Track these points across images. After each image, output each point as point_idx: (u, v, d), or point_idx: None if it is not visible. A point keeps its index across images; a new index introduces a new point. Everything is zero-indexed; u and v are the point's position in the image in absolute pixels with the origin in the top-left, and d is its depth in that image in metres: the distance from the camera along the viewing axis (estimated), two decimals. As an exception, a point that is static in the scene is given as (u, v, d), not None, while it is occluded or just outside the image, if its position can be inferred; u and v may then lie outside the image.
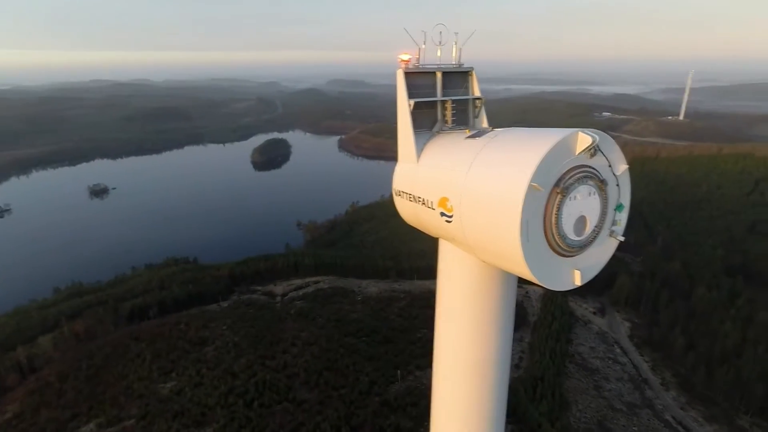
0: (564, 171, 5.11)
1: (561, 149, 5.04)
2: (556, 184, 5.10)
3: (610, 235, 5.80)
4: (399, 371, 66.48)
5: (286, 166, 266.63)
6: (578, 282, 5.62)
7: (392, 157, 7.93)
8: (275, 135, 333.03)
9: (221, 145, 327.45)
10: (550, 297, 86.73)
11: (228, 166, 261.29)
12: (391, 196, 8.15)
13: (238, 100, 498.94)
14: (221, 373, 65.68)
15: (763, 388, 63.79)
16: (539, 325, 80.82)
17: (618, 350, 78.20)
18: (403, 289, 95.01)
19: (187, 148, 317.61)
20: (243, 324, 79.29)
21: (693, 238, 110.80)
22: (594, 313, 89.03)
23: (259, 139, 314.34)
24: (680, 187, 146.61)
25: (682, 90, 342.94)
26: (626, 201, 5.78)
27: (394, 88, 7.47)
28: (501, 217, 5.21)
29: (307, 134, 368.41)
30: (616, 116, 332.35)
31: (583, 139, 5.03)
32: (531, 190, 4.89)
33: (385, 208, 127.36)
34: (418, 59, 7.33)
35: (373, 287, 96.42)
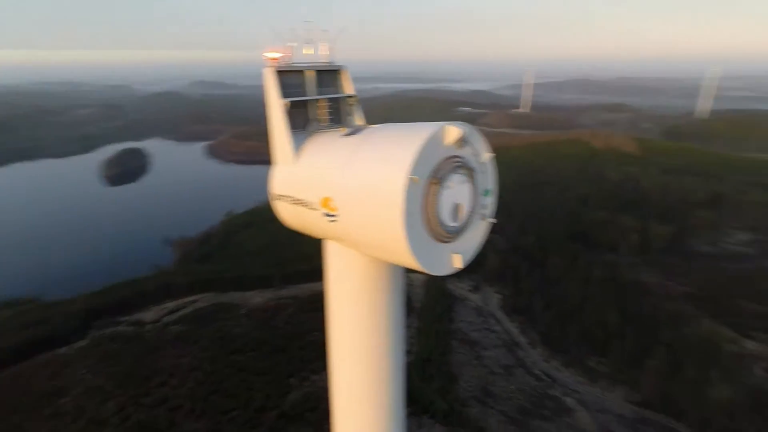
0: (438, 162, 5.42)
1: (434, 142, 5.32)
2: (432, 175, 5.37)
3: (482, 219, 6.33)
4: (294, 379, 64.85)
5: (145, 179, 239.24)
6: (459, 265, 6.02)
7: (267, 160, 7.58)
8: (129, 144, 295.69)
9: (60, 159, 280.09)
10: (432, 282, 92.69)
11: (72, 182, 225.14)
12: (269, 200, 7.79)
13: (78, 107, 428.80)
14: (85, 423, 56.62)
15: (601, 333, 76.92)
16: (424, 310, 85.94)
17: (492, 321, 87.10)
18: (290, 295, 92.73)
19: (14, 166, 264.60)
20: (107, 363, 69.39)
21: (542, 214, 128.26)
22: (470, 290, 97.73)
23: (108, 150, 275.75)
24: (529, 171, 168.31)
25: (524, 86, 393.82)
26: (492, 186, 6.34)
27: (262, 88, 7.14)
28: (384, 211, 5.32)
29: (169, 141, 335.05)
30: (474, 110, 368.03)
31: (453, 131, 5.39)
32: (410, 183, 5.07)
33: (264, 214, 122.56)
34: (287, 57, 7.10)
35: (257, 298, 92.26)
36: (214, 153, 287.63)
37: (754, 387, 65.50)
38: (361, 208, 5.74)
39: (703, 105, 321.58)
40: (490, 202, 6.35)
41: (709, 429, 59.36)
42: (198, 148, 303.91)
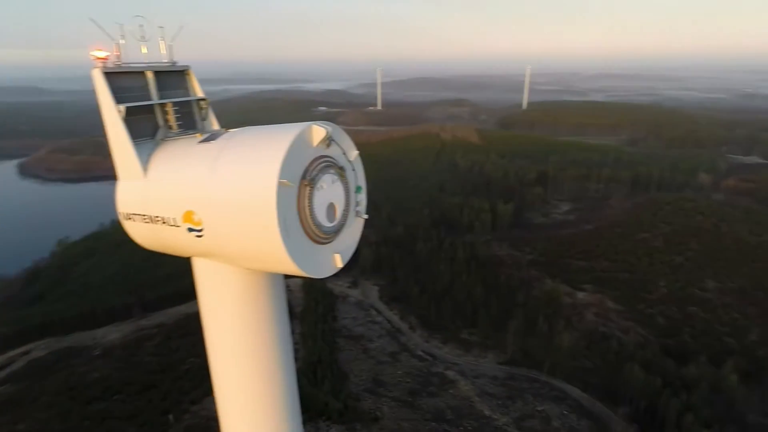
0: (307, 163, 5.31)
1: (300, 143, 5.20)
2: (303, 177, 5.26)
3: (357, 216, 6.42)
4: (171, 415, 58.38)
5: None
6: (340, 264, 6.02)
7: (107, 176, 6.59)
8: None
9: None
10: (310, 284, 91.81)
11: None
12: (115, 221, 6.80)
13: None
14: None
15: (469, 307, 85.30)
16: (306, 313, 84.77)
17: (374, 312, 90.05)
18: (155, 324, 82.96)
19: None
20: None
21: (407, 204, 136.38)
22: (349, 287, 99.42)
23: None
24: (390, 165, 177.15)
25: (375, 84, 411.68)
26: (362, 183, 6.46)
27: (86, 93, 6.15)
28: (257, 219, 5.04)
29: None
30: (331, 110, 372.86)
31: (318, 131, 5.33)
32: (281, 187, 4.89)
33: (110, 237, 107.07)
34: (118, 56, 6.20)
35: (114, 333, 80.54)
36: (30, 172, 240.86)
37: (587, 330, 79.76)
38: (230, 219, 5.36)
39: (523, 98, 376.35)
40: (362, 199, 6.47)
41: (559, 371, 70.42)
42: (7, 167, 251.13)
